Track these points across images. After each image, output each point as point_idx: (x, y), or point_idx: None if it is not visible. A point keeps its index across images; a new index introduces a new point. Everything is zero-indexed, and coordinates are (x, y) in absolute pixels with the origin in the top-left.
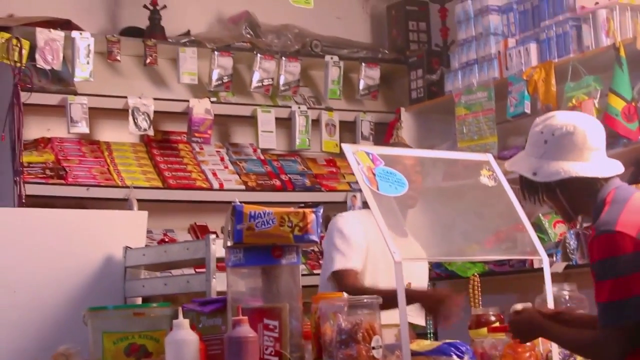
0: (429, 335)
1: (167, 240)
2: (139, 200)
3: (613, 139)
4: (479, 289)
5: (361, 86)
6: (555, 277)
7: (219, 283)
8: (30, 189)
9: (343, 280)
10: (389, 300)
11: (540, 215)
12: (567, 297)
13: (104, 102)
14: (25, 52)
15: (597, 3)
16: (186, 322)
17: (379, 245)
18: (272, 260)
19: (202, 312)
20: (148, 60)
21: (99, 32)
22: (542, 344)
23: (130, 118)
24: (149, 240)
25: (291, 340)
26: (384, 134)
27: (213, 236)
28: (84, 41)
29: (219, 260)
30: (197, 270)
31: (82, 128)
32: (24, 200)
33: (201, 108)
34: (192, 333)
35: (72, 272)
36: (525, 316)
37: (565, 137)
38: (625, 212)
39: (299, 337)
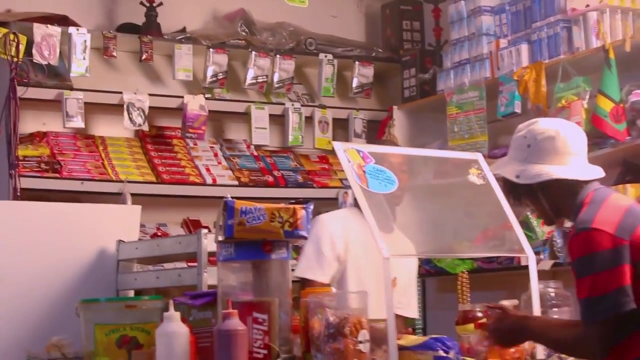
0: (417, 330)
1: (160, 234)
2: (132, 195)
3: (601, 140)
4: (468, 286)
5: (354, 84)
6: (543, 275)
7: (210, 277)
8: (26, 183)
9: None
10: None
11: (528, 213)
12: (552, 294)
13: (100, 97)
14: (22, 47)
15: (587, 5)
16: (177, 314)
17: (360, 243)
18: (262, 255)
19: (193, 305)
20: (144, 57)
21: (95, 28)
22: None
23: (125, 113)
24: (142, 234)
25: (280, 334)
26: (376, 131)
27: (205, 231)
28: (80, 37)
29: (211, 254)
30: (188, 264)
31: (78, 123)
32: (19, 194)
33: (196, 104)
34: (183, 326)
35: (65, 265)
36: (507, 322)
37: (547, 142)
38: (602, 210)
39: (288, 330)
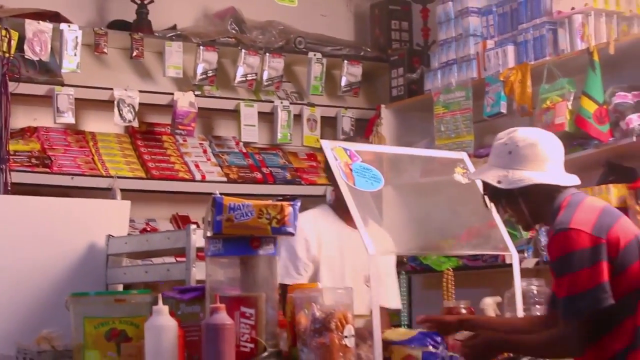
0: (402, 324)
1: (149, 229)
2: (122, 190)
3: (584, 141)
4: (453, 283)
5: (343, 83)
6: (526, 273)
7: (198, 272)
8: (16, 177)
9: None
10: None
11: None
12: (535, 292)
13: (90, 93)
14: (14, 43)
15: (573, 8)
16: (165, 308)
17: (333, 241)
18: (250, 250)
19: (182, 299)
20: (134, 53)
21: (86, 25)
22: None
23: (116, 109)
24: (131, 229)
25: (267, 328)
26: (364, 130)
27: (194, 226)
28: (71, 33)
29: (199, 249)
30: (177, 259)
31: (68, 118)
32: (9, 188)
33: (185, 101)
34: (171, 319)
35: (55, 259)
36: (480, 340)
37: (528, 149)
38: (579, 211)
39: (275, 325)
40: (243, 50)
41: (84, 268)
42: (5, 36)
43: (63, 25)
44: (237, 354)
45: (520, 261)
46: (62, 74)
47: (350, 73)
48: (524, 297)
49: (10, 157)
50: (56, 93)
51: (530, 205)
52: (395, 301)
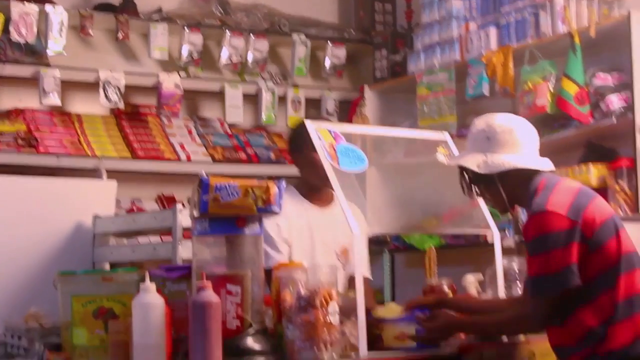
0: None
1: (134, 209)
2: (108, 171)
3: (565, 122)
4: (435, 261)
5: (327, 64)
6: (507, 251)
7: (184, 251)
8: (2, 158)
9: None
10: None
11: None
12: (516, 270)
13: (76, 75)
14: None
15: None
16: (153, 286)
17: (302, 220)
18: (236, 230)
19: (169, 277)
20: (120, 36)
21: (72, 7)
22: None
23: (101, 91)
24: (117, 209)
25: (252, 306)
26: (348, 111)
27: (180, 206)
28: (57, 15)
29: (185, 229)
30: (163, 238)
31: (54, 100)
32: None
33: (171, 82)
34: (159, 297)
35: (43, 238)
36: (440, 321)
37: (506, 134)
38: (554, 194)
39: (260, 303)
40: (228, 32)
41: (71, 247)
42: None
43: (48, 7)
44: (223, 330)
45: (502, 240)
46: (48, 55)
47: (334, 55)
48: (505, 274)
49: None
50: (42, 74)
51: (507, 188)
52: (368, 271)
